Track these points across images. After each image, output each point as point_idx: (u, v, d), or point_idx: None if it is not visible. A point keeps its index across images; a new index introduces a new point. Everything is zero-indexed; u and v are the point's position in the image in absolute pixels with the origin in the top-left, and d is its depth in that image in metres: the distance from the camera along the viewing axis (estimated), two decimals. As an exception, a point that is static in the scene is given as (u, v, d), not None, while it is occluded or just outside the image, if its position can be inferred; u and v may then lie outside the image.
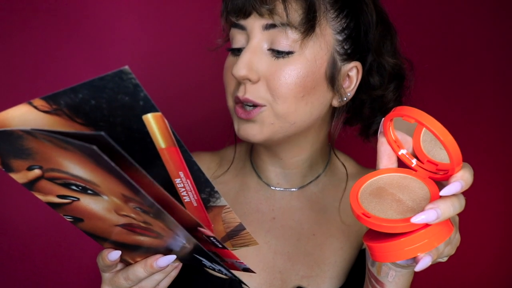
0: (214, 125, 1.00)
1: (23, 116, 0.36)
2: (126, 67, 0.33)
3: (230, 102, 0.64)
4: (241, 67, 0.58)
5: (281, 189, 0.72)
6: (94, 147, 0.31)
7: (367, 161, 0.74)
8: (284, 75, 0.58)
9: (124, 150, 0.34)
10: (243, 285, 0.67)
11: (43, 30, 0.99)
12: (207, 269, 0.69)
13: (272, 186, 0.73)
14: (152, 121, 0.37)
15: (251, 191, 0.74)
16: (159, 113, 0.36)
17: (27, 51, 0.99)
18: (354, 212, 0.44)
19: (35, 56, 0.99)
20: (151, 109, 0.36)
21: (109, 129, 0.37)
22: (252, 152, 0.75)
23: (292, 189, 0.72)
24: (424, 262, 0.42)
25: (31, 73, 0.99)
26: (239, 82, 0.61)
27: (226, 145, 0.79)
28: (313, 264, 0.70)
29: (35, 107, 0.35)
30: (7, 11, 0.97)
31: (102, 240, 0.48)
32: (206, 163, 0.78)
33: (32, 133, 0.34)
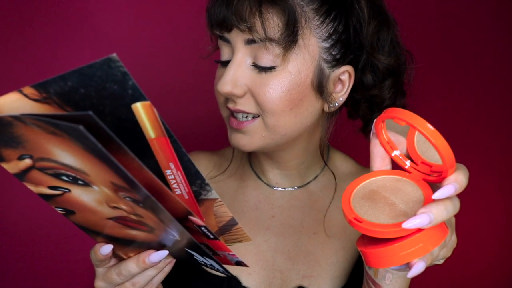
0: (213, 125, 1.00)
1: (13, 104, 0.36)
2: (114, 54, 0.33)
3: (224, 113, 0.63)
4: (225, 83, 0.58)
5: (281, 188, 0.72)
6: (81, 127, 0.31)
7: (367, 161, 0.73)
8: (268, 90, 0.57)
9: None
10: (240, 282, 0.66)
11: (39, 32, 1.00)
12: (204, 267, 0.68)
13: (272, 186, 0.72)
14: (141, 110, 0.37)
15: (250, 189, 0.73)
16: (148, 102, 0.36)
17: (26, 50, 1.00)
18: (346, 216, 0.44)
19: (32, 57, 1.00)
20: (140, 97, 0.36)
21: (98, 118, 0.37)
22: (251, 154, 0.75)
23: (291, 189, 0.72)
24: (417, 268, 0.41)
25: (28, 73, 1.00)
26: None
27: (224, 146, 0.79)
28: (314, 264, 0.69)
29: (25, 95, 0.36)
30: (6, 11, 0.98)
31: (95, 234, 0.48)
32: (204, 163, 0.78)
33: (21, 119, 0.34)
